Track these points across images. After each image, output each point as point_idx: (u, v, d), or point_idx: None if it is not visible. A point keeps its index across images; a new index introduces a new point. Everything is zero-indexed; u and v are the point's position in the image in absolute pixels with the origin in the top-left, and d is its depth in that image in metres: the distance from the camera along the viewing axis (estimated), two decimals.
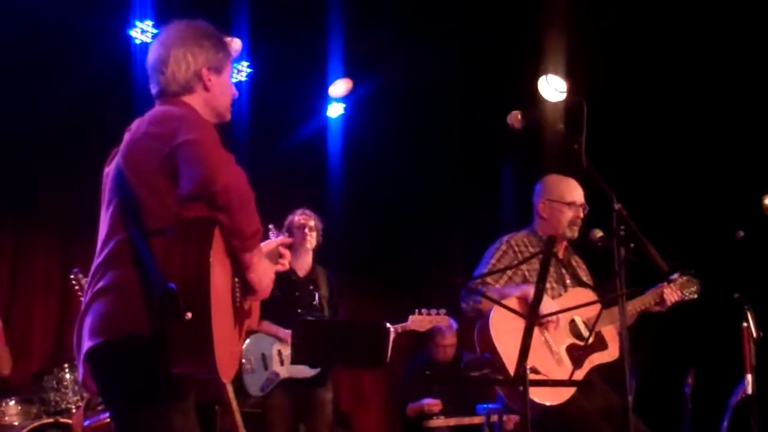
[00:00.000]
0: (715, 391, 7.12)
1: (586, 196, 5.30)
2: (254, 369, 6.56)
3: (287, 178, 9.57)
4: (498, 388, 5.21)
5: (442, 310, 6.63)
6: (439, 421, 7.66)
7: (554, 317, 4.94)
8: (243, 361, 6.54)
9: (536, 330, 4.87)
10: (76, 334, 3.20)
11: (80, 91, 7.94)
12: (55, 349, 7.97)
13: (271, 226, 4.33)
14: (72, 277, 6.07)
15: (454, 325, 7.52)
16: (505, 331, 4.81)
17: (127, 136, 3.33)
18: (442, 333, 7.94)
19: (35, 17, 7.61)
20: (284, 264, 3.67)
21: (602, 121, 5.26)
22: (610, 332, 5.15)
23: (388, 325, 6.41)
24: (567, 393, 4.84)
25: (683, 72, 8.46)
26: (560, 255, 5.38)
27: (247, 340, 6.60)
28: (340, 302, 7.01)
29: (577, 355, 4.95)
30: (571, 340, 5.07)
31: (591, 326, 5.01)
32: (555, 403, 4.80)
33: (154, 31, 8.01)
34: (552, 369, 4.86)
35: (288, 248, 6.83)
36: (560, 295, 5.23)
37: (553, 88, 8.12)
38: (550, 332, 5.00)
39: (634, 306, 5.28)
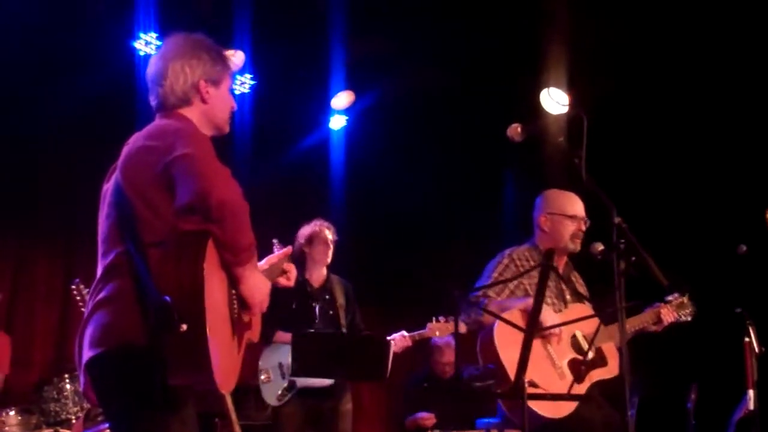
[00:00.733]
0: (718, 406, 7.10)
1: (587, 209, 5.30)
2: (271, 379, 6.56)
3: (289, 189, 9.57)
4: (499, 401, 5.20)
5: (451, 318, 6.64)
6: None
7: (557, 330, 4.93)
8: (260, 372, 6.55)
9: (540, 343, 4.91)
10: (78, 344, 3.22)
11: (84, 102, 7.94)
12: (56, 359, 7.96)
13: (275, 241, 4.32)
14: (73, 287, 6.08)
15: (453, 343, 7.51)
16: (509, 342, 4.79)
17: (124, 150, 3.36)
18: (441, 350, 7.93)
19: (39, 28, 7.63)
20: (289, 279, 3.73)
21: (603, 134, 5.25)
22: (611, 349, 5.16)
23: (388, 338, 6.43)
24: (568, 407, 4.83)
25: (684, 86, 8.46)
26: (560, 270, 5.37)
27: (264, 352, 6.64)
28: (357, 309, 6.97)
29: (578, 370, 4.94)
30: (572, 354, 5.07)
31: (590, 339, 5.01)
32: (556, 416, 4.79)
33: (158, 43, 8.02)
34: (554, 382, 4.85)
35: (303, 258, 6.85)
36: (560, 310, 5.23)
37: (555, 101, 8.13)
38: (553, 346, 5.00)
39: (633, 324, 5.30)
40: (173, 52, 3.47)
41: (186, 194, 3.05)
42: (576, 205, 5.30)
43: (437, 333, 6.92)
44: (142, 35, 8.01)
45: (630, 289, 3.93)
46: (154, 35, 8.01)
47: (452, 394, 7.76)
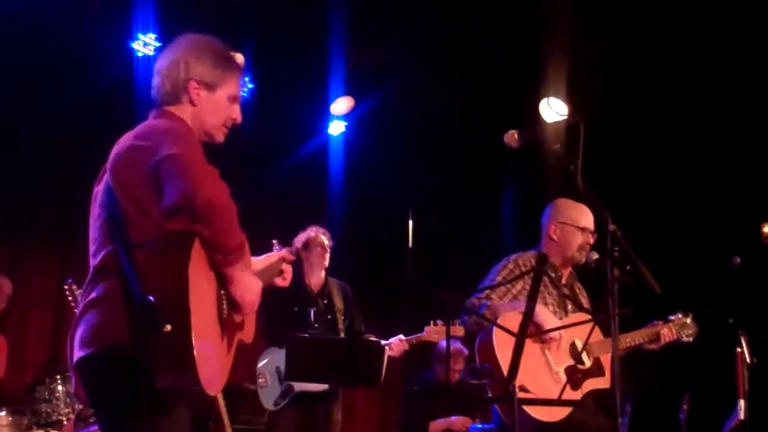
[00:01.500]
0: (710, 416, 7.09)
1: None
2: (268, 383, 6.55)
3: (288, 195, 9.57)
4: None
5: (457, 321, 6.64)
6: None
7: (556, 335, 4.95)
8: (258, 376, 6.54)
9: (538, 348, 4.95)
10: (69, 344, 3.21)
11: (82, 104, 7.95)
12: (50, 361, 7.95)
13: (275, 241, 4.32)
14: (66, 287, 6.07)
15: (466, 351, 7.53)
16: (508, 343, 4.79)
17: (114, 150, 3.35)
18: (453, 357, 7.93)
19: (37, 29, 7.63)
20: (285, 279, 3.71)
21: (601, 143, 5.26)
22: (608, 360, 5.17)
23: (384, 342, 6.43)
24: (562, 411, 4.86)
25: (682, 96, 8.48)
26: (563, 280, 5.40)
27: (262, 356, 6.63)
28: (358, 312, 6.96)
29: (574, 377, 4.95)
30: (570, 361, 5.08)
31: (588, 349, 5.04)
32: (549, 420, 4.81)
33: (157, 44, 8.02)
34: (549, 387, 4.87)
35: (301, 264, 6.85)
36: (561, 318, 5.24)
37: (554, 111, 8.13)
38: (551, 352, 5.01)
39: (633, 339, 5.32)
40: (177, 47, 3.46)
41: (172, 194, 3.04)
42: (587, 218, 5.31)
43: (435, 336, 6.98)
44: (140, 36, 8.01)
45: (636, 305, 3.93)
46: (153, 36, 8.01)
47: (448, 398, 7.78)
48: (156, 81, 3.46)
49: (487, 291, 5.18)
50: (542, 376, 4.93)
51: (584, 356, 5.10)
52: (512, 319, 4.74)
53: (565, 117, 7.90)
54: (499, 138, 4.35)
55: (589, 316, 5.19)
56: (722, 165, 8.74)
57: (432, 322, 6.99)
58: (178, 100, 3.42)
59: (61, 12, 7.65)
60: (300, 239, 6.84)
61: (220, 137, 3.49)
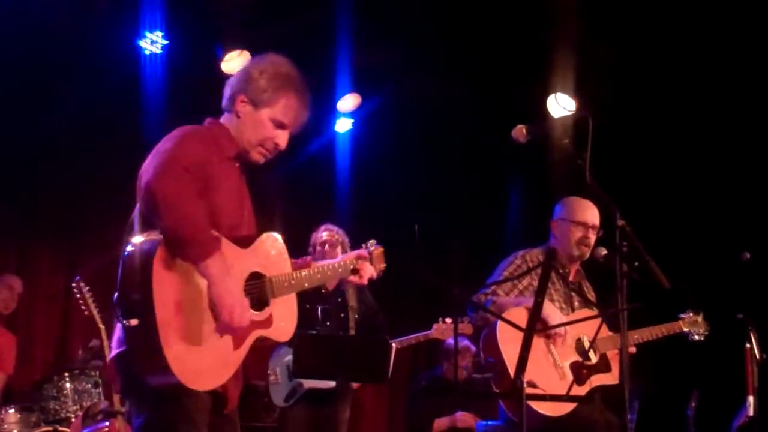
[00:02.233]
0: (719, 413, 7.08)
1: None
2: (279, 380, 6.53)
3: (295, 192, 9.56)
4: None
5: (465, 318, 6.62)
6: None
7: (562, 330, 4.94)
8: (269, 373, 6.53)
9: (543, 343, 4.95)
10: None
11: (89, 101, 7.94)
12: (58, 358, 7.97)
13: (372, 241, 4.31)
14: (74, 285, 6.07)
15: (473, 348, 7.53)
16: (512, 338, 4.80)
17: None
18: (461, 354, 7.92)
19: (45, 26, 7.63)
20: (362, 277, 3.90)
21: (609, 138, 5.24)
22: (615, 356, 5.16)
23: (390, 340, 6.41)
24: (566, 407, 4.85)
25: (691, 92, 8.45)
26: (571, 277, 5.41)
27: (273, 353, 6.60)
28: (378, 310, 6.90)
29: (580, 372, 4.95)
30: (575, 357, 5.08)
31: (595, 345, 5.03)
32: (553, 414, 4.80)
33: (164, 42, 8.01)
34: (554, 383, 4.86)
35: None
36: (567, 315, 5.23)
37: (562, 107, 8.13)
38: (557, 347, 5.01)
39: (641, 336, 5.32)
40: (250, 62, 3.72)
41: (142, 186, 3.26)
42: (585, 213, 5.32)
43: (443, 334, 7.03)
44: (147, 34, 7.99)
45: (645, 302, 3.92)
46: (160, 34, 8.00)
47: (456, 395, 7.77)
48: (225, 89, 3.65)
49: (494, 287, 5.20)
50: (547, 371, 4.92)
51: (590, 352, 5.09)
52: (517, 314, 4.76)
53: (573, 112, 7.89)
54: (507, 133, 4.35)
55: (595, 312, 5.20)
56: (731, 160, 8.71)
57: (441, 319, 7.02)
58: (229, 109, 3.60)
59: (69, 9, 7.64)
60: (316, 239, 6.81)
61: (256, 156, 3.60)
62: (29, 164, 8.14)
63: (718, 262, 6.92)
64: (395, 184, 9.80)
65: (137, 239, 3.24)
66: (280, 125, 3.58)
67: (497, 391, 5.02)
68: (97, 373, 6.90)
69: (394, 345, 6.25)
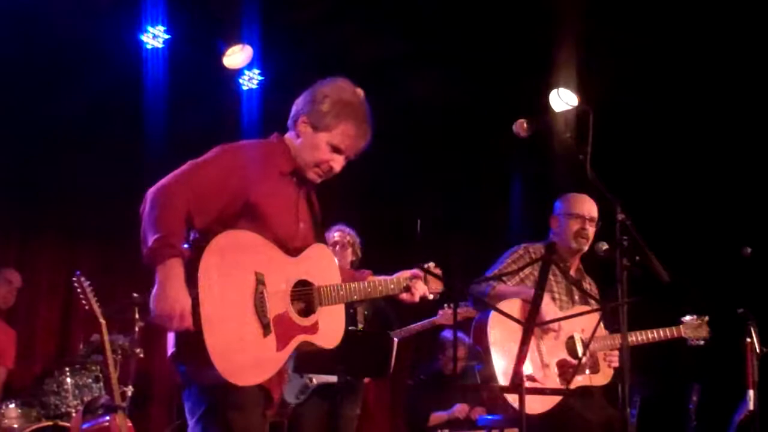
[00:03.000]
0: (719, 406, 7.07)
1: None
2: (290, 377, 6.53)
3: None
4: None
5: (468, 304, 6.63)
6: None
7: (555, 326, 4.94)
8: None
9: (533, 338, 4.90)
10: None
11: (90, 96, 7.92)
12: (58, 353, 7.96)
13: (431, 264, 4.35)
14: (74, 280, 6.07)
15: (467, 340, 7.53)
16: (501, 330, 4.89)
17: None
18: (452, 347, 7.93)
19: (47, 21, 7.62)
20: (413, 295, 4.03)
21: (610, 133, 5.24)
22: (606, 357, 5.18)
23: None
24: (550, 403, 4.84)
25: (693, 85, 8.45)
26: (572, 272, 5.42)
27: None
28: (386, 305, 6.89)
29: (566, 371, 4.94)
30: (564, 355, 5.08)
31: (590, 341, 5.00)
32: (537, 411, 4.79)
33: (166, 36, 8.00)
34: (537, 377, 4.89)
35: None
36: (568, 308, 5.23)
37: (564, 101, 8.11)
38: (546, 342, 4.99)
39: (637, 338, 5.29)
40: (316, 84, 3.80)
41: None
42: (582, 205, 5.34)
43: (450, 320, 7.10)
44: (149, 28, 7.99)
45: (646, 298, 3.92)
46: (162, 28, 7.99)
47: (454, 388, 7.78)
48: (292, 106, 3.84)
49: (495, 273, 5.22)
50: (532, 366, 4.91)
51: (579, 350, 5.07)
52: (511, 306, 4.77)
53: (575, 107, 7.88)
54: (509, 127, 4.35)
55: (596, 314, 5.17)
56: (732, 154, 8.71)
57: (446, 305, 7.04)
58: (292, 128, 3.80)
59: (71, 4, 7.63)
60: (325, 238, 6.79)
61: (311, 175, 3.79)
62: (30, 157, 8.13)
63: (719, 256, 6.92)
64: (397, 178, 9.79)
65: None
66: (336, 150, 3.76)
67: (481, 380, 5.04)
68: (98, 367, 6.89)
69: (395, 340, 6.23)
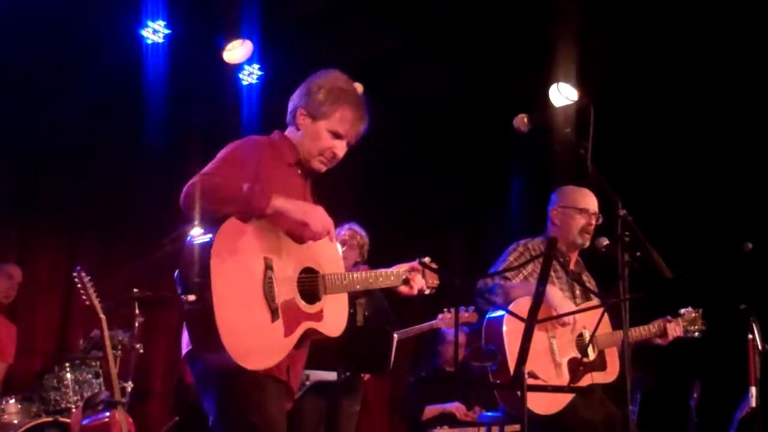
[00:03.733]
0: (721, 403, 7.06)
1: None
2: None
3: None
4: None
5: (471, 308, 6.60)
6: (443, 431, 7.64)
7: (570, 319, 4.91)
8: None
9: (545, 337, 4.91)
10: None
11: (90, 91, 7.91)
12: (58, 348, 7.95)
13: (427, 259, 4.37)
14: (75, 275, 6.06)
15: (466, 329, 7.52)
16: (517, 330, 4.78)
17: None
18: (453, 344, 7.92)
19: (46, 16, 7.61)
20: (411, 288, 4.14)
21: (611, 128, 5.23)
22: (612, 353, 5.15)
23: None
24: (560, 404, 4.82)
25: (693, 81, 8.44)
26: (571, 266, 5.39)
27: None
28: (383, 300, 6.88)
29: (576, 370, 4.92)
30: (574, 353, 5.04)
31: (594, 341, 5.00)
32: (546, 412, 4.76)
33: (166, 31, 7.99)
34: (550, 377, 4.85)
35: None
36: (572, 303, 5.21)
37: (564, 96, 8.11)
38: (558, 339, 4.97)
39: (640, 333, 5.30)
40: (309, 77, 3.93)
41: None
42: (587, 200, 5.31)
43: (448, 324, 7.17)
44: (149, 23, 7.98)
45: (647, 293, 3.90)
46: (162, 23, 7.98)
47: (456, 384, 7.77)
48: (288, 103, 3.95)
49: (500, 270, 5.19)
50: (544, 365, 4.88)
51: (589, 349, 5.05)
52: (525, 305, 4.74)
53: (575, 101, 7.87)
54: (509, 123, 4.33)
55: (595, 302, 5.17)
56: (733, 149, 8.70)
57: (446, 309, 7.03)
58: (291, 122, 3.92)
59: None
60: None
61: (316, 165, 3.90)
62: (30, 153, 8.13)
63: (721, 252, 6.90)
64: (396, 174, 9.78)
65: (197, 230, 3.52)
66: (337, 136, 3.86)
67: (494, 380, 4.99)
68: (98, 363, 6.88)
69: (395, 336, 6.22)
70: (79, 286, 6.04)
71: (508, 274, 5.18)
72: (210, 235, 3.40)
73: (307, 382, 6.39)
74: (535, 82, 8.45)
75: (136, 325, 6.78)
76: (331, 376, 6.26)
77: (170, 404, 8.33)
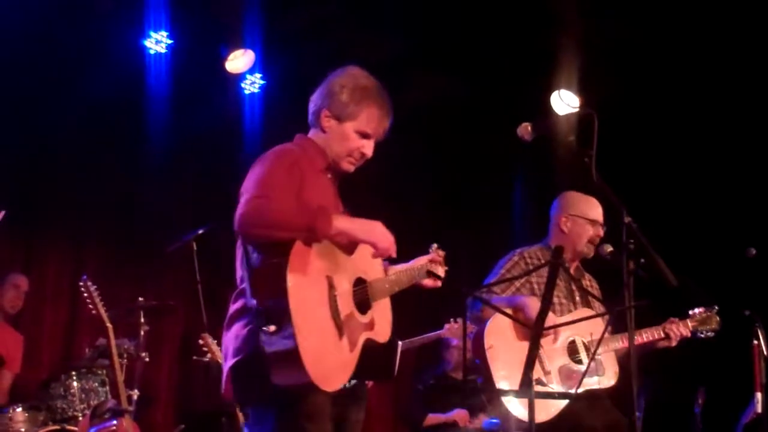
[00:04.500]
0: (726, 410, 7.06)
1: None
2: None
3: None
4: (483, 396, 5.23)
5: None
6: None
7: (551, 331, 4.88)
8: None
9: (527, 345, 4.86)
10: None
11: (94, 101, 7.94)
12: (65, 357, 7.96)
13: (434, 245, 4.37)
14: (81, 284, 6.08)
15: (471, 335, 7.52)
16: (498, 342, 4.86)
17: None
18: (454, 353, 7.92)
19: (49, 26, 7.64)
20: (436, 281, 4.05)
21: (614, 135, 5.25)
22: (610, 358, 5.11)
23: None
24: (550, 411, 4.80)
25: (696, 87, 8.45)
26: (571, 271, 5.34)
27: None
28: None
29: (568, 377, 4.91)
30: (566, 360, 5.01)
31: (589, 346, 4.98)
32: (539, 420, 4.74)
33: (169, 41, 8.03)
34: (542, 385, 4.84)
35: None
36: (570, 311, 5.19)
37: (565, 103, 8.12)
38: (545, 347, 4.91)
39: (641, 336, 5.21)
40: (330, 77, 3.83)
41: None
42: (597, 211, 5.30)
43: (455, 334, 7.25)
44: (152, 34, 8.02)
45: (652, 300, 3.91)
46: (165, 34, 8.02)
47: (460, 392, 7.76)
48: (309, 104, 3.85)
49: (489, 287, 5.15)
50: (535, 375, 4.85)
51: (582, 352, 5.02)
52: (503, 320, 4.75)
53: (578, 109, 7.88)
54: (512, 131, 4.34)
55: (593, 312, 5.14)
56: (737, 155, 8.70)
57: (452, 319, 6.98)
58: (314, 125, 3.82)
59: (73, 8, 7.65)
60: None
61: (346, 166, 3.83)
62: (34, 163, 8.14)
63: (725, 258, 6.91)
64: (399, 181, 9.79)
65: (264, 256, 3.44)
66: (364, 135, 3.79)
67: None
68: (105, 371, 6.89)
69: (399, 343, 6.22)
70: (85, 295, 6.07)
71: (498, 288, 5.15)
72: (279, 260, 3.32)
73: None
74: (537, 90, 8.46)
75: (142, 333, 6.80)
76: None
77: (176, 412, 8.35)
